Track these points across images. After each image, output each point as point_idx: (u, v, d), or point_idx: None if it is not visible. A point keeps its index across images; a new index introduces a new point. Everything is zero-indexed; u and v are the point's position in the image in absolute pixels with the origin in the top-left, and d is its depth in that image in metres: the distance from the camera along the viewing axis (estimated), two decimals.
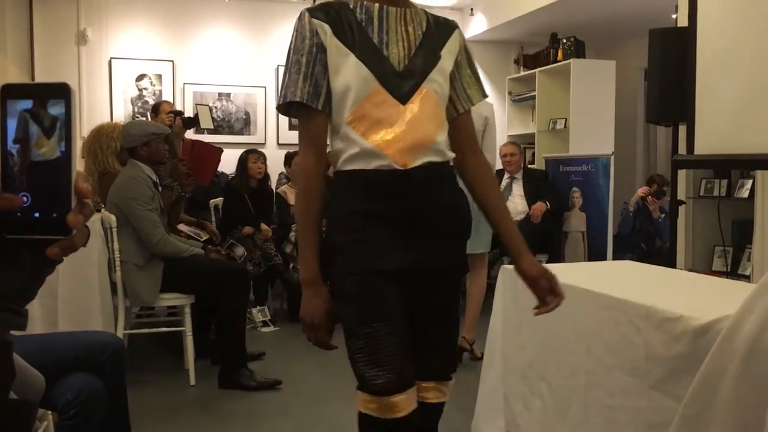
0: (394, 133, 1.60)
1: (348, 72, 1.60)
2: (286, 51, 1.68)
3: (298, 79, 1.62)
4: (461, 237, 1.74)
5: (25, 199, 0.60)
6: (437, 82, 1.66)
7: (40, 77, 6.72)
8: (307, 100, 1.61)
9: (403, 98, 1.61)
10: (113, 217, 3.73)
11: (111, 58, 6.97)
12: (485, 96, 1.83)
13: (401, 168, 1.59)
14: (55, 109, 0.60)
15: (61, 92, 0.60)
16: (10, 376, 0.68)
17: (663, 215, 5.99)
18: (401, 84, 1.62)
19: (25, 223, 0.60)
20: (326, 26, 1.63)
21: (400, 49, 1.64)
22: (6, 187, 0.61)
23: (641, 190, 6.08)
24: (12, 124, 0.61)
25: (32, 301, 0.68)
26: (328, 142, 1.72)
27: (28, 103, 0.61)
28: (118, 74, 6.98)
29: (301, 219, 1.68)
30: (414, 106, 1.62)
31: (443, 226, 1.66)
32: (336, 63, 1.62)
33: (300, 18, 1.65)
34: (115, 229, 3.73)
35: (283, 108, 1.68)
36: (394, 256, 1.59)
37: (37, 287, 0.66)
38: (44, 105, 0.60)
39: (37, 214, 0.60)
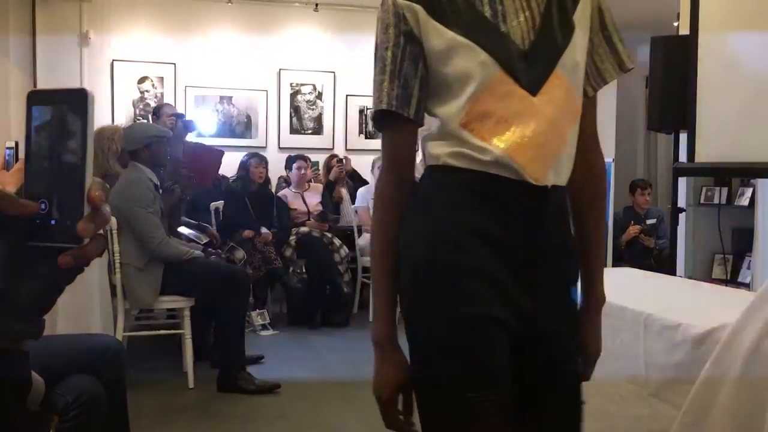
0: (525, 134, 1.19)
1: (457, 60, 1.21)
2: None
3: (384, 80, 1.25)
4: (575, 284, 1.35)
5: (42, 206, 0.60)
6: (574, 61, 1.25)
7: (42, 79, 6.73)
8: (396, 107, 1.24)
9: (533, 87, 1.20)
10: (113, 220, 3.73)
11: (113, 60, 6.98)
12: (624, 68, 1.36)
13: (535, 183, 1.19)
14: (76, 115, 0.60)
15: (80, 98, 0.60)
16: (27, 387, 0.68)
17: (659, 239, 6.04)
18: (529, 68, 1.21)
19: (43, 231, 0.60)
20: (417, 7, 1.23)
21: (521, 20, 1.22)
22: (27, 193, 0.61)
23: (633, 230, 6.13)
24: (38, 130, 0.61)
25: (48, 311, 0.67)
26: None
27: (53, 109, 0.61)
28: (119, 76, 6.99)
29: (375, 259, 1.32)
30: (547, 97, 1.21)
31: (565, 268, 1.29)
32: (438, 51, 1.22)
33: (383, 2, 1.27)
34: (115, 232, 3.73)
35: (378, 121, 1.30)
36: (512, 300, 1.21)
37: (54, 297, 0.65)
38: (68, 110, 0.60)
39: (53, 221, 0.60)
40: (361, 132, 7.71)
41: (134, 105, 7.06)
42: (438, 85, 1.25)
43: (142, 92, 7.09)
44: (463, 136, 1.21)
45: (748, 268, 4.67)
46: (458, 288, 1.21)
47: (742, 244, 4.76)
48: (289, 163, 6.24)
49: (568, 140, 1.25)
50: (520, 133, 1.19)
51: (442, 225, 1.23)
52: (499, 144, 1.19)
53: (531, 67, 1.20)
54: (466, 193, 1.23)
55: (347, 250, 5.78)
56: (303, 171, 6.11)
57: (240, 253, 5.20)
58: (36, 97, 0.62)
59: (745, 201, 4.80)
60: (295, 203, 5.97)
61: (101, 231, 0.63)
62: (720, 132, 3.53)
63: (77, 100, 0.60)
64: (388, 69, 1.25)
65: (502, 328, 1.20)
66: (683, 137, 3.92)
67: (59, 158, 0.60)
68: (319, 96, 7.58)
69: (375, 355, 1.34)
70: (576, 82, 1.26)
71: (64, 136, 0.60)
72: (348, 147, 7.60)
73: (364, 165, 6.86)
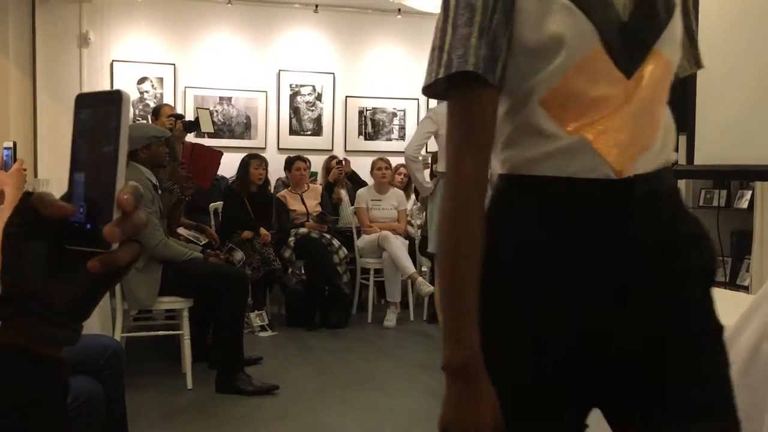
0: (613, 121, 1.02)
1: (551, 23, 1.00)
2: None
3: (471, 34, 1.00)
4: (710, 276, 1.11)
5: (81, 209, 0.60)
6: (674, 39, 1.07)
7: (42, 80, 6.73)
8: (483, 70, 1.01)
9: (630, 68, 1.02)
10: None
11: (113, 60, 6.99)
12: (699, 65, 1.25)
13: (615, 177, 1.02)
14: (110, 117, 0.60)
15: (115, 100, 0.60)
16: (64, 394, 0.66)
17: None
18: (627, 45, 1.02)
19: (79, 234, 0.60)
20: None
21: None
22: (68, 196, 0.61)
23: None
24: (79, 133, 0.61)
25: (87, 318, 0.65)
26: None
27: (92, 112, 0.61)
28: (119, 77, 7.00)
29: (449, 261, 1.04)
30: (643, 79, 1.03)
31: (681, 263, 1.06)
32: (530, 9, 1.01)
33: None
34: None
35: (453, 84, 1.04)
36: (591, 320, 1.03)
37: (91, 303, 0.64)
38: (104, 113, 0.60)
39: (89, 225, 0.59)
40: (360, 133, 7.72)
41: (134, 105, 7.06)
42: (516, 52, 1.04)
43: (141, 93, 7.10)
44: (536, 115, 1.03)
45: (747, 270, 4.67)
46: (520, 310, 1.05)
47: (741, 246, 4.76)
48: (289, 164, 6.24)
49: (661, 125, 1.09)
50: (606, 121, 1.01)
51: (506, 246, 1.06)
52: (577, 127, 1.02)
53: (629, 43, 1.02)
54: (533, 206, 1.06)
55: (346, 251, 5.78)
56: (302, 172, 6.11)
57: (239, 254, 5.20)
58: (81, 101, 0.62)
59: (744, 203, 4.81)
60: (294, 204, 5.97)
61: (136, 237, 0.62)
62: (719, 134, 3.53)
63: (112, 103, 0.60)
64: (478, 20, 1.01)
65: (568, 365, 1.05)
66: (682, 139, 3.93)
67: (95, 161, 0.60)
68: (319, 97, 7.58)
69: (454, 387, 1.02)
70: (674, 63, 1.09)
71: (99, 138, 0.60)
72: (347, 148, 7.61)
73: (364, 166, 6.87)
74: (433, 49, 1.05)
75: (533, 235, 1.05)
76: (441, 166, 4.23)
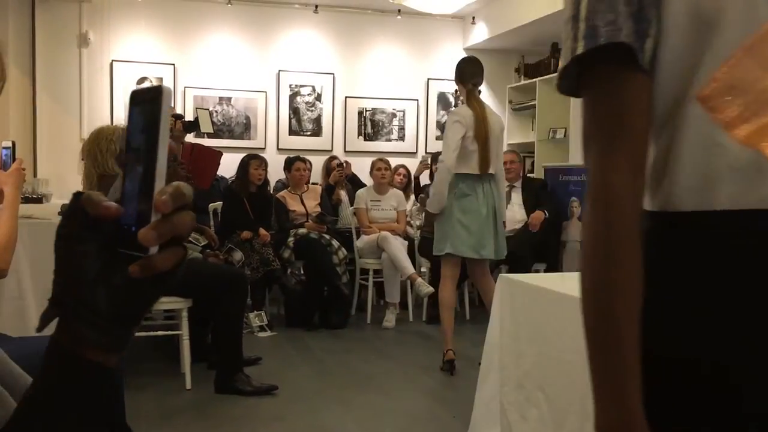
0: None
1: None
2: None
3: None
4: None
5: (129, 210, 0.58)
6: None
7: (42, 79, 6.73)
8: (634, 44, 0.78)
9: None
10: None
11: (112, 60, 6.98)
12: None
13: None
14: (151, 114, 0.58)
15: (155, 96, 0.58)
16: (106, 406, 0.63)
17: None
18: None
19: (126, 236, 0.58)
20: None
21: None
22: (121, 197, 0.60)
23: None
24: (131, 132, 0.60)
25: (136, 324, 0.62)
26: None
27: (139, 109, 0.60)
28: (119, 77, 6.99)
29: (601, 304, 0.80)
30: None
31: None
32: None
33: None
34: None
35: (575, 65, 0.82)
36: None
37: (137, 309, 0.62)
38: (148, 110, 0.59)
39: (134, 228, 0.57)
40: (360, 134, 7.72)
41: None
42: (663, 28, 0.80)
43: None
44: (691, 116, 0.79)
45: None
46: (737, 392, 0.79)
47: None
48: (289, 164, 6.24)
49: None
50: None
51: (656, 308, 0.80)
52: (755, 134, 0.75)
53: None
54: (697, 255, 0.80)
55: (345, 252, 5.77)
56: (301, 172, 6.11)
57: (238, 255, 5.19)
58: (132, 98, 0.61)
59: None
60: (294, 205, 5.96)
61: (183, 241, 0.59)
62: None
63: (153, 99, 0.58)
64: None
65: None
66: None
67: (140, 161, 0.58)
68: (318, 97, 7.58)
69: None
70: None
71: (143, 137, 0.58)
72: (347, 149, 7.61)
73: (363, 167, 6.86)
74: (566, 22, 0.82)
75: (704, 294, 0.80)
76: (460, 168, 4.18)
